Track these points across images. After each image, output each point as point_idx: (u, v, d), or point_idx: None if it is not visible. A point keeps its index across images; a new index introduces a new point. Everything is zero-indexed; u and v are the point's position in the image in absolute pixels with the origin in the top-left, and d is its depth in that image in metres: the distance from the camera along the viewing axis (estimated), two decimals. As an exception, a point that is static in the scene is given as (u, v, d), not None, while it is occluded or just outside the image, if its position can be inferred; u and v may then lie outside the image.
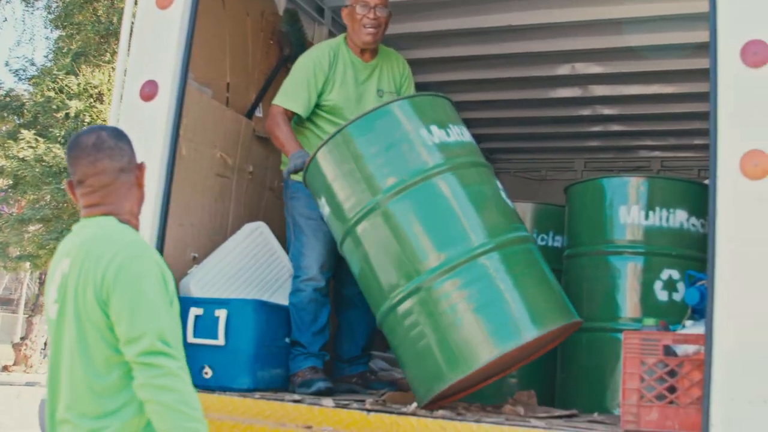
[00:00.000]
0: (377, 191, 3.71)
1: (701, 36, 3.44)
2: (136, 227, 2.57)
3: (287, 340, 4.27)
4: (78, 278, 2.40)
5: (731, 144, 3.19)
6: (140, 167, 2.61)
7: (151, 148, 3.98)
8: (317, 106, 4.43)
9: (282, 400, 3.75)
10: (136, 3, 4.25)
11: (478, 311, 3.50)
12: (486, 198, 3.77)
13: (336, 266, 4.41)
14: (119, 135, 2.60)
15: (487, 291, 3.53)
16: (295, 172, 4.15)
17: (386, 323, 3.75)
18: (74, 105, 14.80)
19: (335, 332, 4.65)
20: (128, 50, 4.24)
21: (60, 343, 2.44)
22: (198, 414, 2.27)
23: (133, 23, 4.25)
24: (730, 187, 3.16)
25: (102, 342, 2.36)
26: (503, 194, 3.88)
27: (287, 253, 4.52)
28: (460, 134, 3.92)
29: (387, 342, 4.57)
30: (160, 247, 3.96)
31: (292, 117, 4.41)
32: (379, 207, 3.69)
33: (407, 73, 4.73)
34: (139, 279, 2.34)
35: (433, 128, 3.82)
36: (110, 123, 4.18)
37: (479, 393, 3.94)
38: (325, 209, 3.94)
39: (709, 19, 3.33)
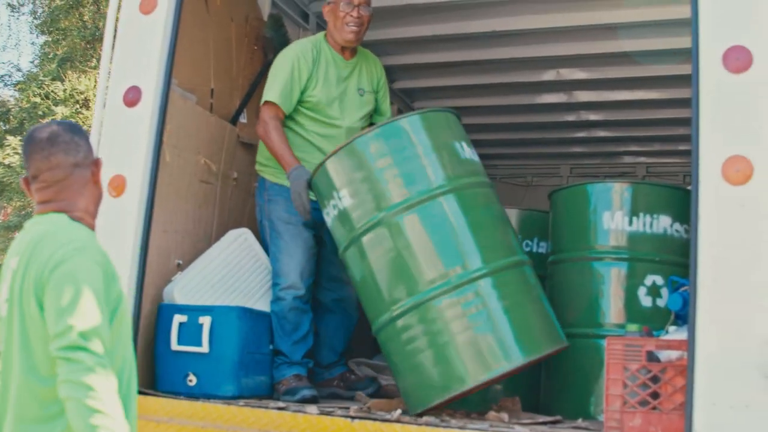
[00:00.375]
0: (389, 203, 3.74)
1: (685, 41, 3.44)
2: (91, 225, 2.51)
3: (271, 347, 4.26)
4: (24, 276, 2.35)
5: (713, 150, 3.20)
6: (96, 163, 2.55)
7: (134, 155, 3.99)
8: (299, 102, 4.39)
9: (266, 407, 3.74)
10: (120, 8, 4.23)
11: (471, 334, 3.58)
12: (493, 220, 3.85)
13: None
14: (75, 129, 2.53)
15: (481, 315, 3.60)
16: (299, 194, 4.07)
17: (384, 332, 3.81)
18: (60, 111, 14.71)
19: (313, 338, 4.63)
20: (111, 55, 4.22)
21: (11, 344, 2.39)
22: (113, 413, 2.18)
23: (116, 28, 4.21)
24: (712, 193, 3.17)
25: (43, 342, 2.30)
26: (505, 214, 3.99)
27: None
28: (476, 153, 4.02)
29: (375, 349, 4.62)
30: (144, 254, 3.93)
31: (282, 119, 4.34)
32: (388, 219, 3.72)
33: (384, 78, 4.73)
34: (74, 274, 2.27)
35: (464, 144, 3.92)
36: (94, 129, 4.15)
37: (464, 399, 3.94)
38: (330, 214, 3.95)
39: (691, 24, 3.34)
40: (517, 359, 3.59)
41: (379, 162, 3.78)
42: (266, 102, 4.34)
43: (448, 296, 3.61)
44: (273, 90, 4.34)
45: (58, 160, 2.46)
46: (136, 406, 2.47)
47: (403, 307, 3.68)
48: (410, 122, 3.87)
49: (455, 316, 3.59)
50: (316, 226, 4.33)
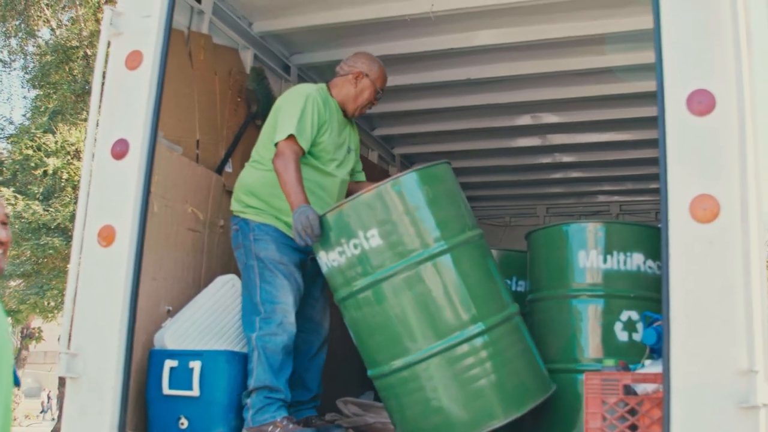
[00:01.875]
0: (390, 262, 3.84)
1: (652, 85, 3.57)
2: None
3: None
4: None
5: (681, 189, 3.28)
6: None
7: (123, 205, 4.01)
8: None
9: (256, 449, 3.80)
10: (106, 63, 4.31)
11: (468, 390, 3.76)
12: (486, 275, 4.00)
13: None
14: None
15: (476, 372, 3.77)
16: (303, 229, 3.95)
17: (381, 382, 3.96)
18: (52, 162, 14.80)
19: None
20: (99, 109, 4.26)
21: None
22: None
23: (103, 83, 4.28)
24: (682, 231, 3.25)
25: None
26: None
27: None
28: (467, 203, 4.27)
29: (362, 387, 4.63)
30: (134, 302, 3.95)
31: (301, 156, 4.28)
32: (387, 279, 3.84)
33: (359, 144, 4.88)
34: None
35: (460, 196, 4.17)
36: (83, 181, 4.17)
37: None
38: (327, 264, 4.03)
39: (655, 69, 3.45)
40: (511, 413, 3.77)
41: (384, 218, 3.87)
42: (289, 137, 4.22)
43: (445, 354, 3.76)
44: (293, 126, 4.24)
45: None
46: None
47: (401, 362, 3.82)
48: (407, 180, 3.94)
49: (452, 374, 3.76)
50: (302, 264, 4.37)
